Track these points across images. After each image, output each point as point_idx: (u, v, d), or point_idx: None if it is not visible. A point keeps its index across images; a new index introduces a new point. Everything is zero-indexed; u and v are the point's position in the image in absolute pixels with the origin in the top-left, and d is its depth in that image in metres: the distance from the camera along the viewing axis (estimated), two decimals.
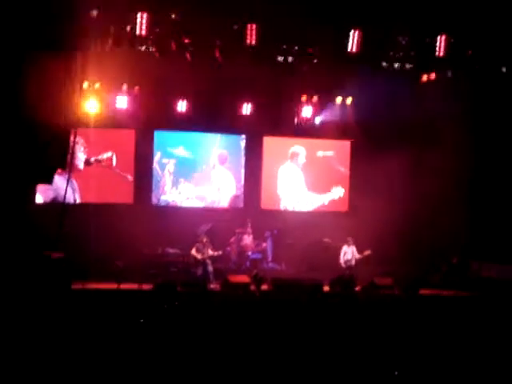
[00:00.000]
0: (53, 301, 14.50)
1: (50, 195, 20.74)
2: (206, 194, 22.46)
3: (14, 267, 15.81)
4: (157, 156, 22.10)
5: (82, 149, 21.37)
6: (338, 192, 23.07)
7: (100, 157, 21.60)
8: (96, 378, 9.42)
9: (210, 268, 19.52)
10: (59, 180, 19.70)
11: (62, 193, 19.66)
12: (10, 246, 16.71)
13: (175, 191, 22.16)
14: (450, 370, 10.36)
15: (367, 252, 19.82)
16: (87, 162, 21.45)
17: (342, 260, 20.16)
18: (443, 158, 20.34)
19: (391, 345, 11.61)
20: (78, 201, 21.17)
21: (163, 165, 22.12)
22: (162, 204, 22.24)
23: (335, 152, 23.21)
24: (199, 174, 22.43)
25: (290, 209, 23.05)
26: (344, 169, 23.11)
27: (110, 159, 21.67)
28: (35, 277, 16.04)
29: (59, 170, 19.55)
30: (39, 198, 20.59)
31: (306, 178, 23.06)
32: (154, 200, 22.21)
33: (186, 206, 22.23)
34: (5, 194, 17.92)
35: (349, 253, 20.13)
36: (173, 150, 22.22)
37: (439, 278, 20.26)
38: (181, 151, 22.25)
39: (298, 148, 23.02)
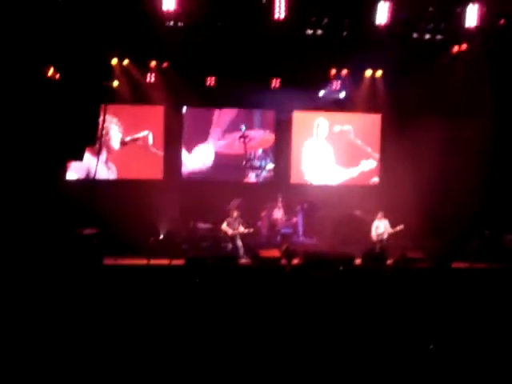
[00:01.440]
0: (84, 276, 14.62)
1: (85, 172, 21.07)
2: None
3: (46, 243, 15.97)
4: None
5: (117, 128, 21.51)
6: (368, 164, 22.98)
7: (136, 135, 21.71)
8: (129, 353, 9.48)
9: (240, 243, 19.58)
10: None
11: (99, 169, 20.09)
12: (42, 222, 16.89)
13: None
14: (483, 344, 10.30)
15: (400, 227, 19.76)
16: (123, 142, 21.58)
17: (373, 233, 20.15)
18: (475, 131, 20.16)
19: (425, 319, 11.57)
20: (112, 177, 21.37)
21: None
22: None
23: (359, 126, 23.11)
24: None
25: (316, 183, 22.98)
26: (362, 143, 23.01)
27: (146, 138, 21.78)
28: (66, 252, 16.20)
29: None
30: (74, 175, 20.82)
31: (334, 152, 22.99)
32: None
33: (217, 180, 22.23)
34: (36, 172, 18.11)
35: (381, 227, 20.10)
36: None
37: (471, 251, 20.13)
38: None
39: (321, 120, 22.94)
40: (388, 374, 9.30)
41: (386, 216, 20.07)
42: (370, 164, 23.02)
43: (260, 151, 22.56)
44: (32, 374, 8.73)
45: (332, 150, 23.03)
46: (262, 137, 22.64)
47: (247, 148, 21.93)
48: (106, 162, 21.52)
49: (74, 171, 21.14)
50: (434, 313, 12.00)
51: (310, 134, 22.99)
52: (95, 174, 18.27)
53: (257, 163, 22.17)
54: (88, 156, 20.11)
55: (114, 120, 21.38)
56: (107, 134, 21.39)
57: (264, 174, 22.60)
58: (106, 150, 21.46)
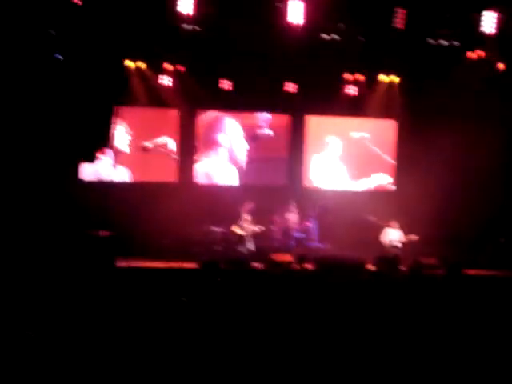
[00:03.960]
0: (96, 278, 14.64)
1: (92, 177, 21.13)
2: None
3: (58, 245, 16.01)
4: None
5: (124, 129, 21.56)
6: (380, 179, 22.89)
7: (158, 141, 21.74)
8: (141, 355, 9.48)
9: (252, 246, 19.60)
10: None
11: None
12: (53, 224, 16.93)
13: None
14: (494, 351, 10.24)
15: (414, 237, 19.76)
16: (144, 148, 21.60)
17: (386, 239, 20.17)
18: (491, 138, 20.11)
19: (440, 325, 11.52)
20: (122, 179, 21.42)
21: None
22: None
23: (375, 133, 23.00)
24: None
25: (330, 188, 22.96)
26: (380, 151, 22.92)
27: (168, 145, 21.82)
28: (79, 254, 16.23)
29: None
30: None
31: (348, 167, 22.98)
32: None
33: (230, 185, 22.25)
34: (48, 173, 18.16)
35: (395, 235, 20.09)
36: None
37: (486, 258, 20.05)
38: None
39: (332, 138, 22.85)
40: (400, 379, 9.27)
41: (400, 223, 20.06)
42: (382, 178, 22.90)
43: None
44: (40, 375, 8.73)
45: (345, 169, 22.95)
46: None
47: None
48: (114, 165, 21.50)
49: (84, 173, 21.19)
50: (446, 320, 11.95)
51: (321, 147, 22.92)
52: (108, 177, 18.27)
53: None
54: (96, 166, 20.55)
55: (121, 122, 21.36)
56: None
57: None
58: (113, 155, 21.41)
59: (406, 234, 19.92)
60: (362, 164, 22.95)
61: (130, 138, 21.51)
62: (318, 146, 22.85)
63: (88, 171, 20.84)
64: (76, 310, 11.50)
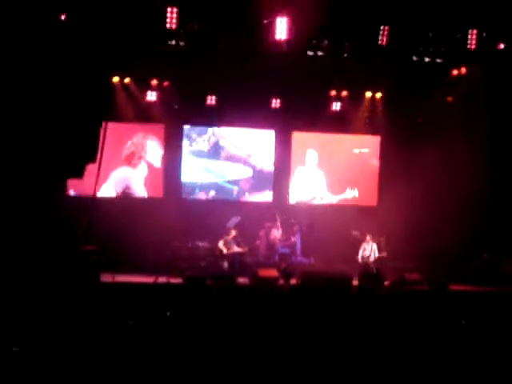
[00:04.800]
0: (81, 293, 14.61)
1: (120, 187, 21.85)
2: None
3: (42, 259, 15.96)
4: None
5: (156, 144, 21.83)
6: (352, 193, 23.01)
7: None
8: (124, 371, 9.48)
9: (237, 262, 19.69)
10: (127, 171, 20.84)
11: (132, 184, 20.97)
12: (39, 238, 16.88)
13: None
14: (480, 366, 10.31)
15: (383, 254, 19.95)
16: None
17: (359, 256, 20.35)
18: (474, 153, 20.24)
19: (422, 341, 11.58)
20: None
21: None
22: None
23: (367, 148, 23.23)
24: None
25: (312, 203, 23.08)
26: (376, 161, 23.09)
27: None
28: (64, 269, 16.18)
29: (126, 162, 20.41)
30: (108, 192, 21.56)
31: (326, 179, 23.08)
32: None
33: (216, 199, 22.31)
34: (35, 189, 18.11)
35: (368, 249, 20.24)
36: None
37: (470, 274, 20.16)
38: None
39: (311, 151, 23.00)
40: None
41: (383, 237, 20.18)
42: (354, 193, 23.03)
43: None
44: None
45: (323, 176, 23.06)
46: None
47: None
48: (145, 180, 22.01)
49: (113, 185, 21.61)
50: (431, 336, 12.02)
51: (303, 159, 23.03)
52: (94, 191, 18.28)
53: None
54: (126, 169, 21.19)
55: (152, 137, 21.74)
56: (143, 149, 21.79)
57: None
58: (147, 168, 21.92)
59: (380, 249, 20.08)
60: (344, 177, 23.09)
61: (161, 152, 21.82)
62: (301, 159, 23.00)
63: (121, 173, 21.61)
64: (61, 325, 11.49)
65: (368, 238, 20.28)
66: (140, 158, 21.74)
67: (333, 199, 23.00)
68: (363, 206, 22.83)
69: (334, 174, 23.02)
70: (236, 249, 19.92)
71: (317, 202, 23.01)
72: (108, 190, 21.55)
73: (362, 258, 20.28)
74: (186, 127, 22.30)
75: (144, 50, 18.18)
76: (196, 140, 22.26)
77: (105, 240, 18.43)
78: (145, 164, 21.79)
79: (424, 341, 11.55)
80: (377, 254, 20.10)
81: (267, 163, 22.71)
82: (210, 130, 22.33)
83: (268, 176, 22.77)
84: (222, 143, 22.41)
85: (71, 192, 20.88)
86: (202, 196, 22.28)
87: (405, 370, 10.01)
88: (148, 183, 21.84)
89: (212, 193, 22.31)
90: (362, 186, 22.98)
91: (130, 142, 21.74)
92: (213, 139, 22.32)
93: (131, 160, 21.72)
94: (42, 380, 8.96)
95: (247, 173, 22.63)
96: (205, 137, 22.29)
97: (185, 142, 22.22)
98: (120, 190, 21.61)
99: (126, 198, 21.62)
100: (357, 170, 23.04)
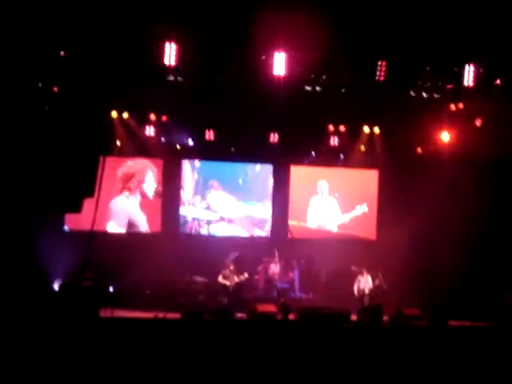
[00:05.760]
0: (80, 329, 14.55)
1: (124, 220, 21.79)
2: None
3: (39, 295, 15.93)
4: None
5: (152, 175, 21.83)
6: (362, 209, 23.14)
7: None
8: None
9: (236, 296, 19.66)
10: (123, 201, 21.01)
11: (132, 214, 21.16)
12: (35, 274, 16.86)
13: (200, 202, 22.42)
14: None
15: (383, 286, 19.96)
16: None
17: (355, 288, 20.37)
18: (473, 187, 20.26)
19: (422, 378, 11.52)
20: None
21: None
22: (181, 221, 22.39)
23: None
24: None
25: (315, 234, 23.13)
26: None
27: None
28: (63, 305, 16.14)
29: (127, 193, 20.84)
30: (114, 228, 21.57)
31: (338, 203, 23.34)
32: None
33: (213, 235, 22.30)
34: (31, 223, 18.12)
35: (362, 282, 20.29)
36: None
37: (468, 309, 20.07)
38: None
39: (323, 182, 23.19)
40: None
41: (379, 270, 20.16)
42: (364, 208, 23.20)
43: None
44: None
45: (335, 202, 23.29)
46: None
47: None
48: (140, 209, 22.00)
49: (117, 220, 21.60)
50: (431, 371, 11.95)
51: (313, 190, 23.16)
52: (93, 226, 18.25)
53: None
54: (122, 200, 21.37)
55: (152, 167, 21.81)
56: (143, 180, 21.83)
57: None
58: (140, 196, 21.93)
59: (375, 282, 20.06)
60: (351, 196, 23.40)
61: (155, 185, 21.91)
62: (311, 189, 23.19)
63: (119, 205, 21.53)
64: (60, 361, 11.43)
65: (364, 270, 20.29)
66: (139, 182, 21.74)
67: (345, 218, 23.22)
68: (362, 238, 22.85)
69: (343, 197, 23.27)
70: (237, 279, 19.94)
71: (331, 225, 23.23)
72: (114, 226, 21.58)
73: (358, 290, 20.27)
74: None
75: (142, 85, 18.25)
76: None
77: (103, 275, 18.38)
78: (139, 192, 21.78)
79: (425, 377, 11.50)
80: (371, 286, 20.07)
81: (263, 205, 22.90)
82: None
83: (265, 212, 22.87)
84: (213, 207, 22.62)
85: (67, 227, 20.87)
86: (199, 231, 22.31)
87: None
88: (147, 218, 21.85)
89: (211, 228, 22.36)
90: (363, 218, 23.13)
91: (131, 163, 21.79)
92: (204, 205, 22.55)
93: (128, 182, 21.73)
94: None
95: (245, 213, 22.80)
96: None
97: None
98: (125, 223, 21.60)
99: (130, 233, 21.58)
100: (360, 189, 23.36)
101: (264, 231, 22.88)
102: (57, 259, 18.70)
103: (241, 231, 22.70)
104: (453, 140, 21.38)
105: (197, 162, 22.49)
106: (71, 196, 16.60)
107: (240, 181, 22.65)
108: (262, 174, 22.96)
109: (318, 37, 16.79)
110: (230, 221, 22.55)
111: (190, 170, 22.41)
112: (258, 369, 11.57)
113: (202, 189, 22.42)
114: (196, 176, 22.37)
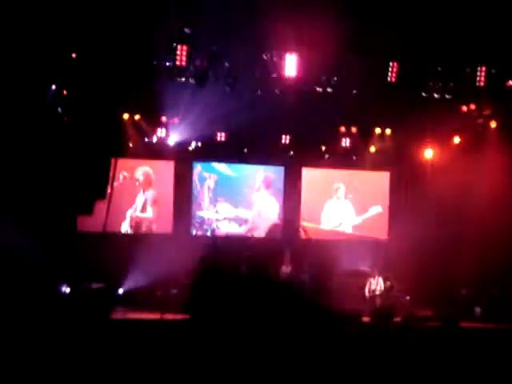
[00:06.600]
0: (91, 331, 14.55)
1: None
2: (245, 216, 22.62)
3: (51, 298, 15.95)
4: (197, 168, 22.31)
5: None
6: (376, 209, 23.11)
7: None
8: None
9: None
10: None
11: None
12: (47, 276, 16.88)
13: (212, 209, 22.33)
14: None
15: (395, 287, 19.93)
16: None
17: (366, 290, 20.44)
18: (486, 188, 20.18)
19: (435, 378, 11.45)
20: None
21: (203, 178, 22.31)
22: (198, 221, 22.39)
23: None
24: (240, 195, 22.59)
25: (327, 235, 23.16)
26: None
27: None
28: (74, 307, 16.16)
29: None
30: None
31: (353, 204, 23.31)
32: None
33: (224, 234, 22.32)
34: (44, 225, 18.16)
35: (373, 283, 20.35)
36: (216, 165, 22.47)
37: (480, 311, 20.00)
38: (223, 168, 22.44)
39: (339, 185, 23.20)
40: None
41: (390, 272, 20.13)
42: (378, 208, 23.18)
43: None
44: None
45: (350, 204, 23.29)
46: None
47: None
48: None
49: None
50: (444, 373, 11.89)
51: (327, 193, 23.15)
52: (105, 227, 18.29)
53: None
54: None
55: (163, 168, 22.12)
56: (154, 181, 22.09)
57: None
58: (151, 197, 22.13)
59: (386, 283, 20.03)
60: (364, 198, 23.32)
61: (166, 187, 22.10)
62: (326, 192, 23.20)
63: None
64: (71, 363, 11.42)
65: (375, 272, 20.27)
66: (150, 183, 21.85)
67: (359, 219, 23.22)
68: (374, 239, 22.82)
69: (356, 199, 23.24)
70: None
71: (344, 226, 23.26)
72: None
73: (369, 292, 20.28)
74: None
75: (153, 87, 18.29)
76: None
77: (115, 277, 18.43)
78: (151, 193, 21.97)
79: (435, 379, 11.44)
80: (382, 287, 20.06)
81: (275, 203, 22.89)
82: None
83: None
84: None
85: (79, 229, 20.92)
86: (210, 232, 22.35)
87: None
88: (156, 218, 21.95)
89: (222, 228, 22.37)
90: (375, 220, 23.16)
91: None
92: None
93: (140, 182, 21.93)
94: None
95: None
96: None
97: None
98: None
99: (140, 234, 21.63)
100: (373, 191, 23.31)
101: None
102: (67, 261, 18.75)
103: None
104: (464, 141, 21.34)
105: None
106: (83, 198, 16.68)
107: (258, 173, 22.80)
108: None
109: (330, 38, 16.81)
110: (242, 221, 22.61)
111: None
112: (269, 370, 11.52)
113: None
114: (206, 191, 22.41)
